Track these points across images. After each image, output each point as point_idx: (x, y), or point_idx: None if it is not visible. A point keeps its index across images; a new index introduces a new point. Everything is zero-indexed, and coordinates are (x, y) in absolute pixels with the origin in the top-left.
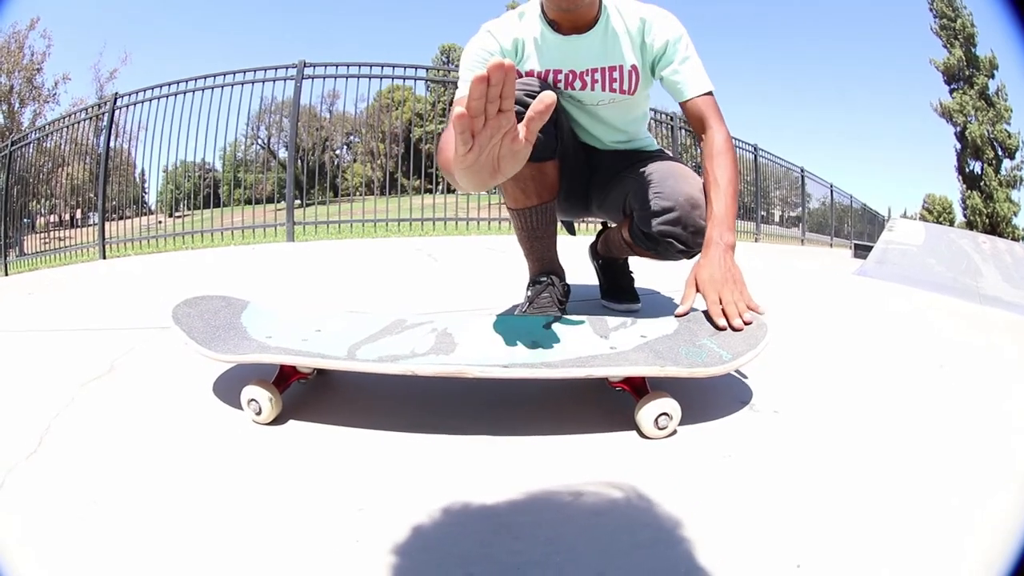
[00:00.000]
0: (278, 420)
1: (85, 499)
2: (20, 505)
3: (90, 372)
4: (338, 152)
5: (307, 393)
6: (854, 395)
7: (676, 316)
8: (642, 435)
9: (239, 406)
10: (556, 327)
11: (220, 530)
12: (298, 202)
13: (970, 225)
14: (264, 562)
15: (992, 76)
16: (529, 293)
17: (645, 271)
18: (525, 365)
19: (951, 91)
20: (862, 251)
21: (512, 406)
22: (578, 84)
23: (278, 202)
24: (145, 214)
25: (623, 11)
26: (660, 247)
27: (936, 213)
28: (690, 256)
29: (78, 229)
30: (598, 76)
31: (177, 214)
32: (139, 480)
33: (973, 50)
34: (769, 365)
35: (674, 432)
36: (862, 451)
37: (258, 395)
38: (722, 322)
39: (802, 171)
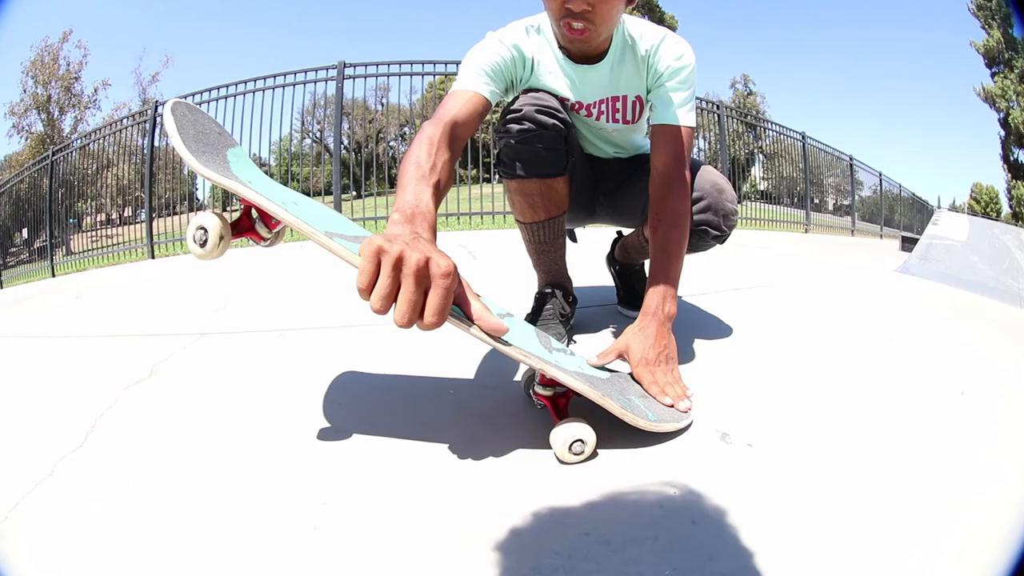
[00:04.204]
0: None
1: (126, 488)
2: (69, 489)
3: (132, 377)
4: (392, 144)
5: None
6: (850, 429)
7: (589, 364)
8: (559, 460)
9: (277, 414)
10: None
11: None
12: (354, 194)
13: (1016, 217)
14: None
15: None
16: (534, 304)
17: None
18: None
19: (992, 75)
20: (909, 244)
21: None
22: (583, 113)
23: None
24: (198, 210)
25: (636, 37)
26: (694, 237)
27: (983, 203)
28: (722, 241)
29: (128, 227)
30: (604, 107)
31: (232, 208)
32: (179, 473)
33: (1011, 31)
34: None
35: (593, 455)
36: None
37: (209, 224)
38: (666, 400)
39: (851, 159)
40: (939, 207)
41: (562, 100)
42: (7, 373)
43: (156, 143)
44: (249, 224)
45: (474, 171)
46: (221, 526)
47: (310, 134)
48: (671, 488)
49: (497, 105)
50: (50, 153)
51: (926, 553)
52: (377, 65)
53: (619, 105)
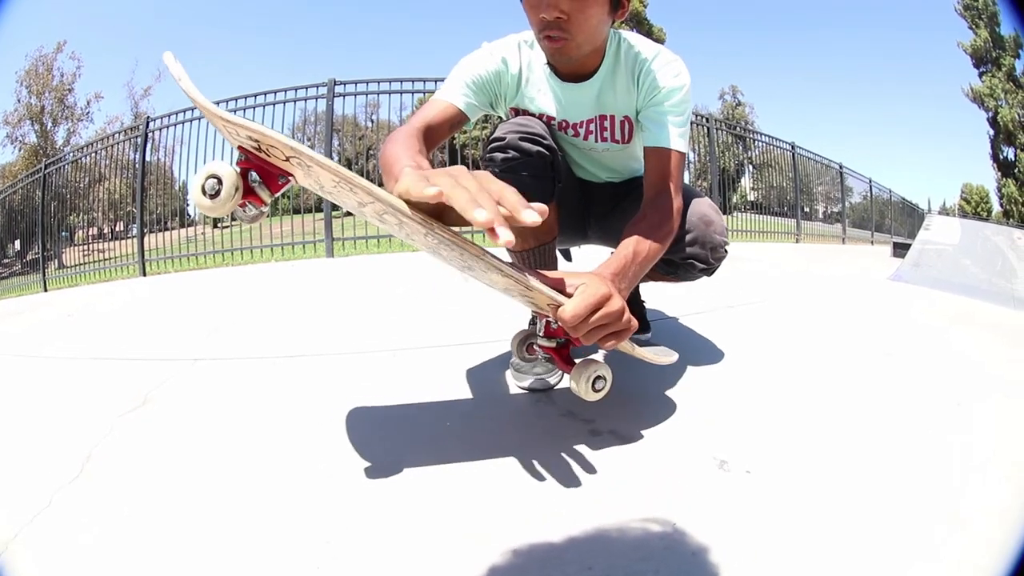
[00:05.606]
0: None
1: (124, 521)
2: (67, 521)
3: (126, 404)
4: None
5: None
6: (849, 450)
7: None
8: (580, 398)
9: (274, 445)
10: None
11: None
12: (345, 211)
13: (1007, 215)
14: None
15: (1018, 56)
16: (528, 328)
17: (653, 297)
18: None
19: (980, 75)
20: (900, 250)
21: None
22: (571, 132)
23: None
24: (188, 225)
25: (629, 54)
26: (681, 270)
27: (974, 203)
28: (710, 274)
29: (118, 242)
30: (592, 127)
31: (223, 224)
32: (177, 508)
33: (997, 29)
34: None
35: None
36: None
37: (224, 172)
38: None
39: (840, 167)
40: (929, 210)
41: (548, 120)
42: (2, 395)
43: (148, 158)
44: (249, 188)
45: None
46: (221, 566)
47: None
48: (670, 519)
49: (487, 121)
50: (43, 166)
51: (925, 565)
52: (367, 83)
53: (607, 124)
